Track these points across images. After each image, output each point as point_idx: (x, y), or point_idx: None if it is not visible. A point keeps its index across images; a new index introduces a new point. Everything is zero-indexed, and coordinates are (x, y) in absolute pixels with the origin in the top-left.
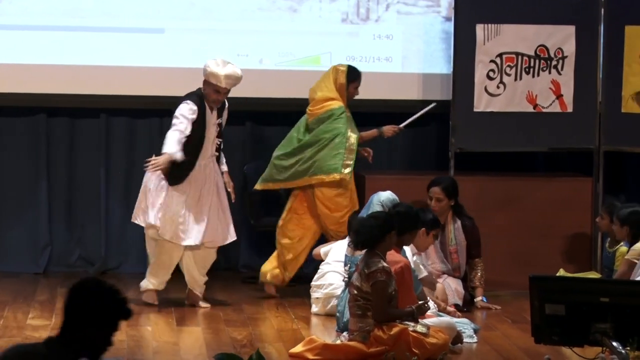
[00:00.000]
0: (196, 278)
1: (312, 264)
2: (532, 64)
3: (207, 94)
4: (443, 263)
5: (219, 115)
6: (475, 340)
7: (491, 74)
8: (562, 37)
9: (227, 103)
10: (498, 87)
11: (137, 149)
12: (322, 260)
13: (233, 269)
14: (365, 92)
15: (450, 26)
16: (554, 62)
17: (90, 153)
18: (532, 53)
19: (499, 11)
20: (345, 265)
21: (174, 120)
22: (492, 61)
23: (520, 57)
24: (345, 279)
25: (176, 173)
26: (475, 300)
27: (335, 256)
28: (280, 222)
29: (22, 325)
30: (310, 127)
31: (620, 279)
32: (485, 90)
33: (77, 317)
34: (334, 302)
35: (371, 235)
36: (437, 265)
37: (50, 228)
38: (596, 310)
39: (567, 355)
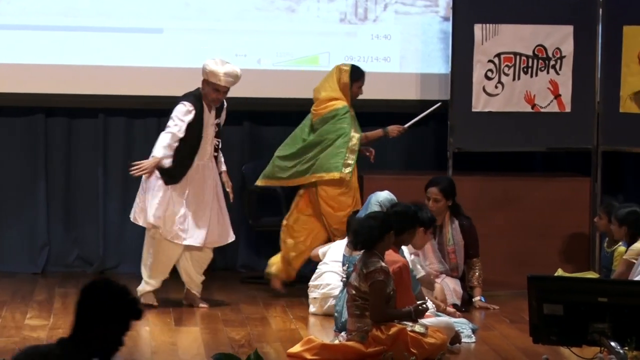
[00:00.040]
0: (193, 278)
1: (310, 264)
2: (530, 64)
3: (207, 94)
4: (441, 263)
5: (218, 116)
6: (473, 340)
7: (489, 73)
8: (560, 37)
9: (225, 103)
10: (496, 87)
11: (135, 149)
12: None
13: (231, 269)
14: (363, 92)
15: (448, 26)
16: (552, 62)
17: (88, 153)
18: (530, 53)
19: (497, 11)
20: (343, 265)
21: (169, 122)
22: (490, 61)
23: (518, 57)
24: (343, 279)
25: (172, 172)
26: (473, 300)
27: (333, 256)
28: (285, 222)
29: (20, 325)
30: (314, 127)
31: (618, 279)
32: (484, 90)
33: (88, 318)
34: (331, 302)
35: (370, 236)
36: (434, 266)
37: (48, 228)
38: (594, 310)
39: (566, 355)
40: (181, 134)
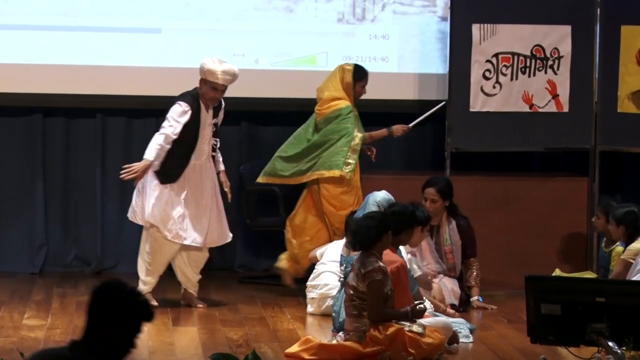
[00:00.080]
0: (190, 277)
1: (308, 258)
2: (528, 64)
3: (204, 93)
4: (438, 264)
5: (215, 115)
6: (471, 340)
7: (487, 73)
8: (558, 37)
9: (223, 103)
10: (494, 87)
11: (133, 149)
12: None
13: (229, 269)
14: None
15: (446, 26)
16: (550, 62)
17: (86, 153)
18: (528, 53)
19: (494, 11)
20: (341, 265)
21: (164, 123)
22: (488, 61)
23: (516, 57)
24: (341, 279)
25: (168, 171)
26: (471, 300)
27: (331, 256)
28: (289, 222)
29: (18, 325)
30: (318, 127)
31: (616, 279)
32: (481, 90)
33: (100, 320)
34: (329, 302)
35: (368, 236)
36: (432, 266)
37: (46, 228)
38: (592, 310)
39: (563, 355)
40: (175, 136)
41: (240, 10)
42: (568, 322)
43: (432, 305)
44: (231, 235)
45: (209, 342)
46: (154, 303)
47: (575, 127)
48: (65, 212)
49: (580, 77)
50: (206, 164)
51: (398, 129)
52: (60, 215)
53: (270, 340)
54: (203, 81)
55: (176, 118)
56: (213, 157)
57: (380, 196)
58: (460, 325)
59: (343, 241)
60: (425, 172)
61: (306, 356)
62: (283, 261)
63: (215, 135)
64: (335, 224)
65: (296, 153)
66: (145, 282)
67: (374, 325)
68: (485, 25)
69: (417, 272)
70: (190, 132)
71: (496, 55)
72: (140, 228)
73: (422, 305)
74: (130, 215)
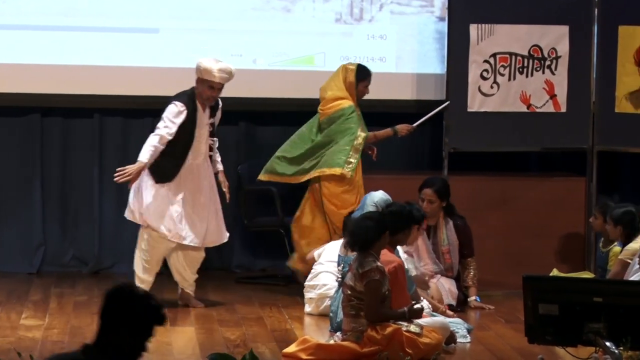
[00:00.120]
0: (186, 278)
1: (305, 259)
2: (525, 64)
3: (201, 92)
4: (435, 264)
5: (212, 115)
6: (468, 340)
7: (485, 74)
8: (555, 37)
9: (220, 102)
10: (492, 87)
11: (131, 149)
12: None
13: (226, 269)
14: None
15: (443, 26)
16: (547, 62)
17: (84, 153)
18: (525, 53)
19: (492, 11)
20: (339, 265)
21: (159, 123)
22: (485, 61)
23: (513, 57)
24: (339, 279)
25: (163, 171)
26: (468, 300)
27: (329, 256)
28: (296, 222)
29: (15, 325)
30: (322, 127)
31: (613, 278)
32: (479, 90)
33: (113, 324)
34: (327, 302)
35: (367, 237)
36: (429, 267)
37: (44, 228)
38: (590, 310)
39: (561, 355)
40: (170, 136)
41: (238, 10)
42: (565, 322)
43: (430, 306)
44: (228, 235)
45: (206, 342)
46: None
47: (572, 127)
48: (62, 212)
49: (577, 77)
50: (203, 164)
51: (403, 128)
52: (58, 215)
53: (268, 340)
54: (200, 80)
55: (171, 118)
56: (210, 157)
57: (378, 196)
58: (457, 325)
59: (341, 241)
60: (423, 172)
61: (304, 356)
62: (294, 261)
63: (212, 135)
64: (336, 222)
65: (300, 154)
66: (143, 280)
67: (372, 325)
68: (483, 25)
69: (413, 272)
70: (186, 131)
71: (494, 55)
72: (137, 228)
73: (419, 305)
74: (127, 214)
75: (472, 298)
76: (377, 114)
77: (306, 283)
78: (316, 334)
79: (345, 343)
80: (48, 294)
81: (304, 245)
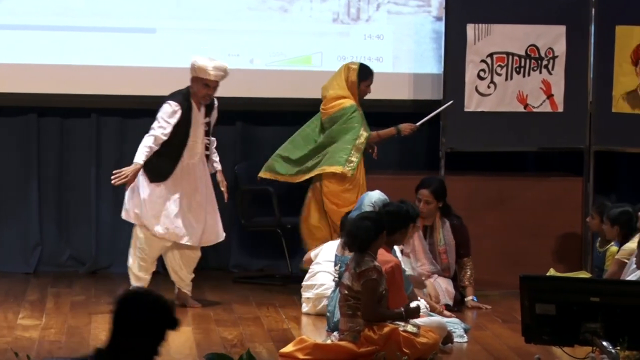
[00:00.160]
0: (183, 277)
1: (303, 261)
2: (522, 64)
3: (196, 91)
4: (432, 264)
5: (208, 114)
6: (465, 339)
7: (482, 73)
8: (552, 37)
9: (216, 102)
10: (489, 87)
11: (128, 149)
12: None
13: (224, 269)
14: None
15: (440, 26)
16: (544, 62)
17: (81, 153)
18: (522, 53)
19: (489, 11)
20: (336, 265)
21: (154, 123)
22: (482, 61)
23: (510, 57)
24: (336, 278)
25: (157, 170)
26: (465, 299)
27: (326, 256)
28: (304, 223)
29: (12, 325)
30: (324, 127)
31: (610, 278)
32: (476, 90)
33: (125, 328)
34: (325, 302)
35: (365, 237)
36: (426, 267)
37: (41, 228)
38: (586, 310)
39: (558, 354)
40: (165, 137)
41: (235, 10)
42: (562, 321)
43: (427, 305)
44: (224, 234)
45: (203, 342)
46: None
47: (569, 127)
48: (59, 212)
49: (574, 77)
50: (199, 164)
51: (406, 127)
52: (55, 215)
53: (265, 340)
54: (194, 79)
55: (166, 118)
56: (207, 156)
57: (376, 197)
58: (454, 325)
59: (338, 241)
60: (419, 172)
61: (301, 356)
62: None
63: (208, 134)
64: (337, 222)
65: (303, 155)
66: (140, 278)
67: (369, 325)
68: (480, 25)
69: (410, 273)
70: (181, 131)
71: (491, 55)
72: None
73: (415, 304)
74: (123, 214)
75: (469, 298)
76: (374, 114)
77: (304, 283)
78: (313, 333)
79: (342, 343)
80: (45, 293)
81: (314, 245)
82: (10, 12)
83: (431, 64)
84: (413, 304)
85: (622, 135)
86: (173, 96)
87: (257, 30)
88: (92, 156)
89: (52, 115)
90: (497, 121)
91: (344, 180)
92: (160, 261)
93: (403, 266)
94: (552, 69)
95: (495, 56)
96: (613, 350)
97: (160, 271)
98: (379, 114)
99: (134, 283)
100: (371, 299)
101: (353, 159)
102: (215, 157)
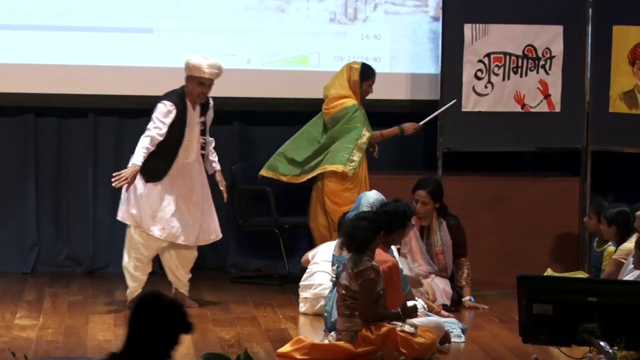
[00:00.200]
0: (180, 277)
1: (301, 262)
2: (520, 64)
3: (191, 90)
4: (429, 265)
5: (203, 114)
6: (463, 339)
7: (479, 73)
8: (550, 37)
9: (211, 101)
10: (486, 87)
11: (125, 149)
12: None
13: (221, 269)
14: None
15: (438, 26)
16: (541, 62)
17: (78, 153)
18: (520, 53)
19: (487, 11)
20: (333, 265)
21: (149, 124)
22: (480, 61)
23: (508, 57)
24: (333, 278)
25: (152, 170)
26: (463, 299)
27: (324, 256)
28: (313, 224)
29: (9, 325)
30: (326, 127)
31: (607, 278)
32: (473, 90)
33: (141, 332)
34: (322, 302)
35: (366, 237)
36: (423, 267)
37: (38, 228)
38: (584, 310)
39: (555, 354)
40: (161, 137)
41: (232, 10)
42: (560, 321)
43: (425, 305)
44: (221, 233)
45: (200, 342)
46: None
47: (567, 127)
48: (57, 212)
49: (572, 77)
50: (195, 163)
51: (409, 127)
52: (52, 215)
53: (262, 340)
54: (189, 78)
55: (161, 119)
56: (202, 155)
57: (373, 197)
58: (452, 325)
59: (335, 241)
60: (417, 172)
61: (298, 356)
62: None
63: (203, 134)
64: (337, 221)
65: (307, 157)
66: (136, 279)
67: (366, 325)
68: (477, 25)
69: (406, 273)
70: (176, 130)
71: (488, 55)
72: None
73: (412, 303)
74: (119, 215)
75: (467, 298)
76: (371, 114)
77: (301, 283)
78: (310, 333)
79: (339, 343)
80: (42, 293)
81: None
82: (7, 12)
83: (428, 64)
84: (410, 304)
85: (619, 135)
86: (167, 96)
87: (254, 30)
88: (90, 156)
89: (49, 115)
90: (495, 121)
91: (345, 179)
92: (158, 261)
93: (400, 266)
94: (550, 69)
95: (492, 56)
96: (610, 351)
97: (157, 271)
98: (375, 114)
99: (130, 283)
100: (369, 299)
101: (354, 158)
102: (214, 157)
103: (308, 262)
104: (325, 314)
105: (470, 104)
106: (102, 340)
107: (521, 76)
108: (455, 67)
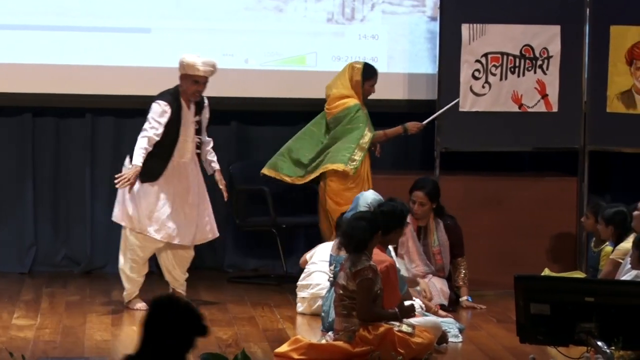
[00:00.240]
0: (177, 277)
1: (299, 264)
2: (517, 64)
3: (186, 89)
4: (426, 265)
5: (197, 113)
6: (460, 339)
7: (476, 73)
8: (547, 37)
9: (206, 101)
10: (483, 86)
11: (123, 149)
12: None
13: (218, 269)
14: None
15: (435, 26)
16: (539, 62)
17: (76, 153)
18: (517, 53)
19: (484, 11)
20: (330, 264)
21: (145, 124)
22: (477, 61)
23: (505, 57)
24: (331, 278)
25: (148, 170)
26: (460, 299)
27: (321, 256)
28: (324, 224)
29: (7, 325)
30: (329, 127)
31: (605, 278)
32: (471, 90)
33: (156, 335)
34: (320, 302)
35: (363, 237)
36: (420, 268)
37: (36, 227)
38: (581, 310)
39: (552, 354)
40: (157, 137)
41: (230, 10)
42: (557, 321)
43: (422, 305)
44: (218, 232)
45: (198, 341)
46: (141, 305)
47: (564, 127)
48: (54, 212)
49: (569, 77)
50: (190, 163)
51: (413, 126)
52: (50, 215)
53: (260, 340)
54: (184, 76)
55: (156, 118)
56: (198, 155)
57: (371, 197)
58: (449, 324)
59: (332, 241)
60: (414, 172)
61: (295, 356)
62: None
63: (199, 133)
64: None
65: (311, 158)
66: (132, 280)
67: (364, 325)
68: (475, 25)
69: (404, 274)
70: (171, 130)
71: (485, 55)
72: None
73: (409, 302)
74: (114, 216)
75: (464, 298)
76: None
77: (299, 283)
78: (308, 333)
79: (337, 343)
80: (40, 293)
81: None
82: (5, 12)
83: (426, 64)
84: (407, 303)
85: (616, 135)
86: (162, 96)
87: (252, 30)
88: (88, 156)
89: (47, 115)
90: (492, 121)
91: (346, 178)
92: (154, 261)
93: (398, 266)
94: (547, 68)
95: (489, 56)
96: (608, 350)
97: (154, 271)
98: (373, 114)
99: (127, 285)
100: (366, 299)
101: (356, 157)
102: (213, 157)
103: (306, 262)
104: (323, 314)
105: (467, 104)
106: (100, 340)
107: (519, 76)
108: (453, 67)
